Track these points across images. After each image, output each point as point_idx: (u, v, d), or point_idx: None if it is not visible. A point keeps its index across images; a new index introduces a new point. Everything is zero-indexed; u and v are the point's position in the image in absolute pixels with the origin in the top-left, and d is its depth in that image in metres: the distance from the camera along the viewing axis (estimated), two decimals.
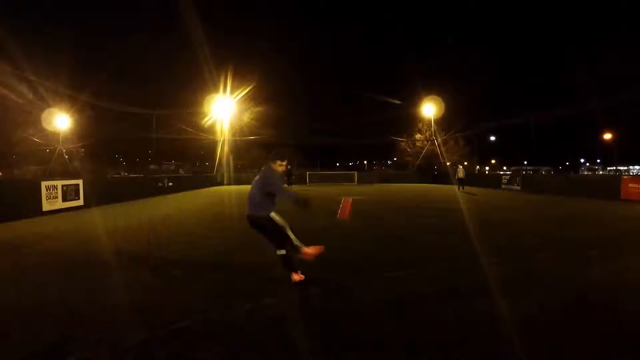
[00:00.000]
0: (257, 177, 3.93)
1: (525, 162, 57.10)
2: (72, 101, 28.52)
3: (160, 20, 71.88)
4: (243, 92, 33.38)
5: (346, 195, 6.96)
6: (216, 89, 32.53)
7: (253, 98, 35.26)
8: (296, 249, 3.85)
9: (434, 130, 35.90)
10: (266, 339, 2.64)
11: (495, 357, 2.36)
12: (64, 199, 11.04)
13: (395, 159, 51.57)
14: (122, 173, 44.28)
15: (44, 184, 10.38)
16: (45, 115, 27.36)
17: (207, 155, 43.21)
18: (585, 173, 60.71)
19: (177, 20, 53.25)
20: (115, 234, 7.01)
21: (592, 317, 2.99)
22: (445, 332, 2.71)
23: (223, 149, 34.23)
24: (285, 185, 4.29)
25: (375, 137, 42.98)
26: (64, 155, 30.40)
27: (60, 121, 28.60)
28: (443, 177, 28.76)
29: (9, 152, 30.09)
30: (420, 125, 38.10)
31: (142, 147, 43.85)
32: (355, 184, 31.01)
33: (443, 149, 34.90)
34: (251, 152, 41.61)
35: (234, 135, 35.58)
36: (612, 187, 14.45)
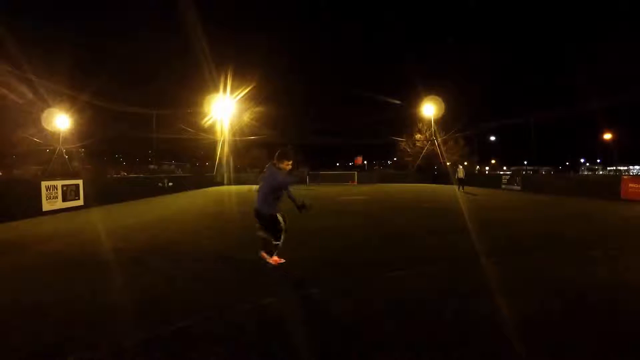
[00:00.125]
0: (265, 174, 4.32)
1: (525, 162, 57.21)
2: (72, 101, 28.58)
3: (160, 20, 72.08)
4: (243, 92, 33.44)
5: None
6: (216, 89, 32.61)
7: (253, 98, 35.36)
8: (274, 247, 4.40)
9: (434, 130, 35.91)
10: (266, 339, 2.64)
11: (495, 357, 2.35)
12: (64, 199, 11.04)
13: (395, 159, 51.57)
14: (122, 173, 44.27)
15: (44, 184, 10.38)
16: (45, 115, 27.40)
17: (207, 155, 43.23)
18: (585, 173, 60.72)
19: (177, 20, 53.42)
20: (115, 234, 7.00)
21: (592, 317, 2.99)
22: (445, 332, 2.71)
23: (223, 149, 34.26)
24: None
25: (375, 137, 43.04)
26: (64, 155, 30.41)
27: (60, 121, 28.62)
28: (443, 177, 28.76)
29: (9, 152, 30.12)
30: (420, 125, 38.11)
31: (142, 147, 43.92)
32: (356, 183, 31.02)
33: (443, 149, 34.90)
34: (251, 152, 41.60)
35: (234, 135, 35.58)
36: (612, 187, 14.45)
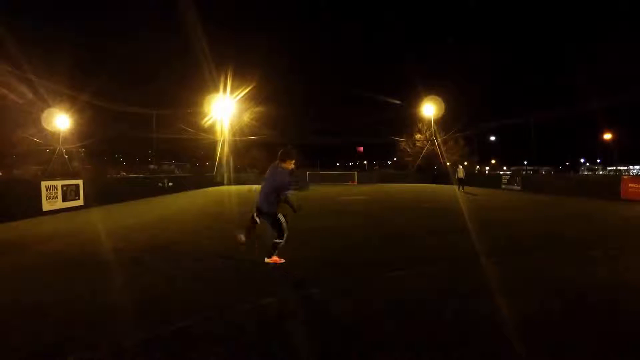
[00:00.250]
0: (268, 174, 4.48)
1: (525, 162, 57.21)
2: (72, 101, 28.56)
3: (160, 20, 71.94)
4: (243, 92, 33.41)
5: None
6: (216, 89, 32.57)
7: (253, 98, 35.32)
8: (274, 247, 4.52)
9: (434, 130, 35.89)
10: (266, 339, 2.64)
11: (495, 357, 2.35)
12: (64, 199, 11.04)
13: (395, 159, 51.56)
14: (122, 173, 44.27)
15: (44, 184, 10.38)
16: (45, 115, 27.37)
17: (207, 155, 43.24)
18: (585, 173, 60.73)
19: (177, 20, 53.40)
20: (115, 234, 7.00)
21: (592, 317, 2.99)
22: (445, 332, 2.71)
23: (223, 149, 34.25)
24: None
25: (375, 137, 43.00)
26: (64, 155, 30.40)
27: (60, 121, 28.60)
28: (443, 177, 28.74)
29: (9, 152, 30.10)
30: (420, 125, 38.09)
31: (142, 147, 43.92)
32: (356, 183, 31.01)
33: (443, 149, 34.88)
34: (251, 152, 41.60)
35: (234, 135, 35.57)
36: (612, 187, 14.45)
